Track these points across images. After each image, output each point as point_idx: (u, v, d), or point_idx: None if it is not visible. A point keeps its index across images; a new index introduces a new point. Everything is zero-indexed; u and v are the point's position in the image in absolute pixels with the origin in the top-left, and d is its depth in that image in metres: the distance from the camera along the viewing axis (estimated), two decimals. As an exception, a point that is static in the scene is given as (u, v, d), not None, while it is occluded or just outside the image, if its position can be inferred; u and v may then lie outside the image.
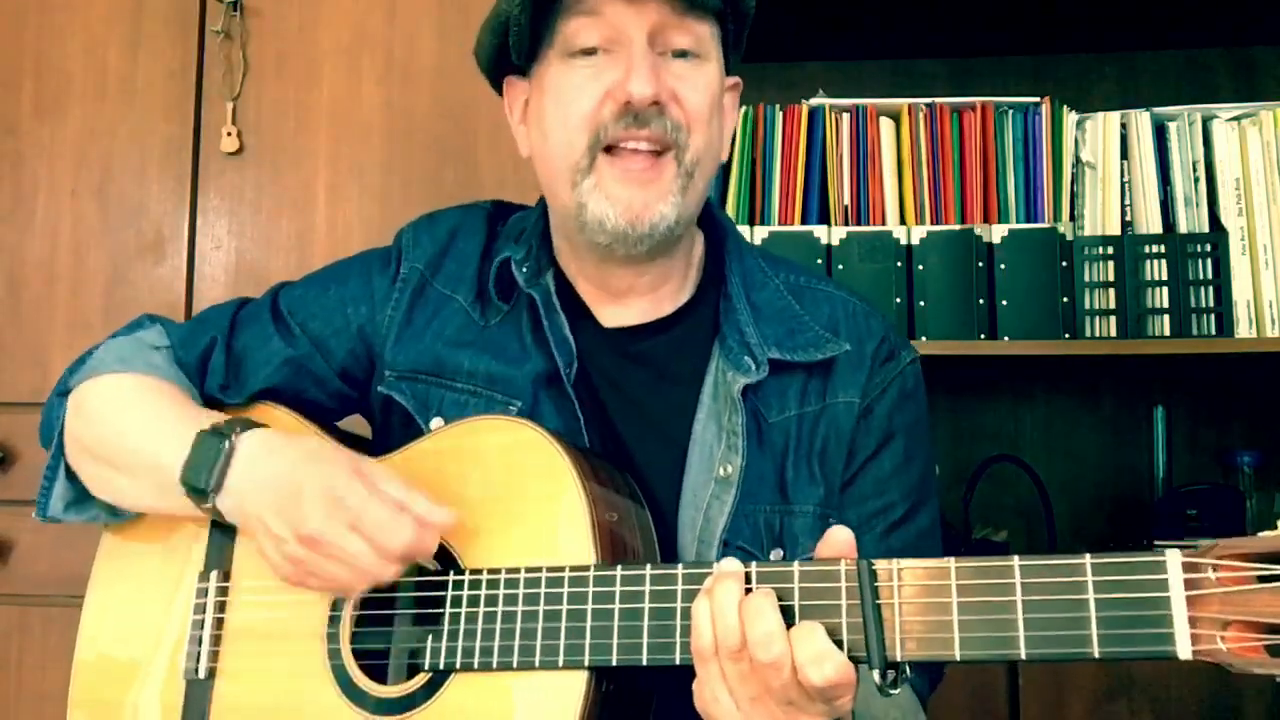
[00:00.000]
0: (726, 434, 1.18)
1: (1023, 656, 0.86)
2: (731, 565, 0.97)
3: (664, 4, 1.14)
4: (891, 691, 0.91)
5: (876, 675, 0.91)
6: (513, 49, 1.21)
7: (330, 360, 1.31)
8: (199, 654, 1.20)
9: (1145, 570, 0.84)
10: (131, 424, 1.22)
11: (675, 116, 1.16)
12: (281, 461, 1.12)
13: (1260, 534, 0.81)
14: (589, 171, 1.17)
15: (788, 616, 0.93)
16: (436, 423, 1.23)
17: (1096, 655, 0.84)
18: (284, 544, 1.08)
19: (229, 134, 2.00)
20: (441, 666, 1.08)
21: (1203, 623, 0.81)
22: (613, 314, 1.26)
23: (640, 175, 1.16)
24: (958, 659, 0.89)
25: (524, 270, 1.25)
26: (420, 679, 1.09)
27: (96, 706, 1.25)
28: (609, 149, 1.16)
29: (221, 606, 1.21)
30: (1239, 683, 1.80)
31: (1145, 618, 0.84)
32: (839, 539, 0.97)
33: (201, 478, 1.14)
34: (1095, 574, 0.86)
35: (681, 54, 1.17)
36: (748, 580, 0.96)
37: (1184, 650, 0.82)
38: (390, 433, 1.28)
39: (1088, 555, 0.86)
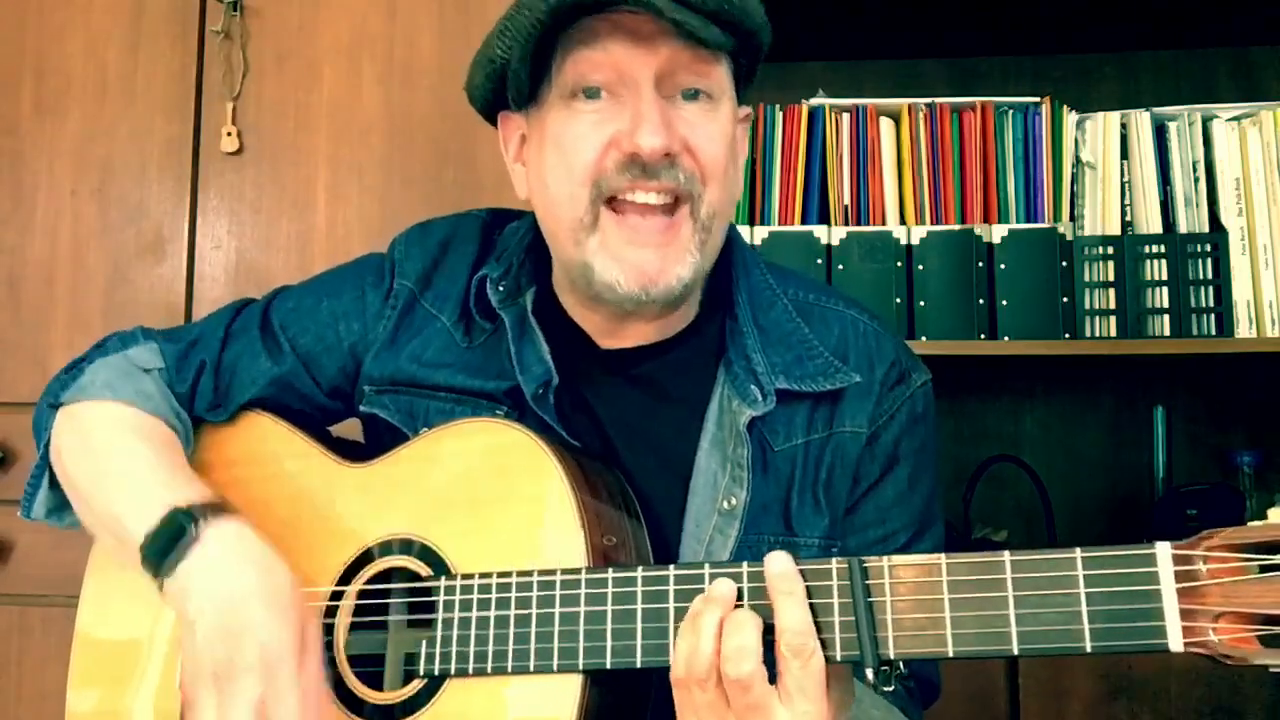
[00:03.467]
0: (731, 465, 1.15)
1: (1015, 651, 0.86)
2: (722, 589, 0.95)
3: (674, 45, 1.06)
4: (885, 689, 0.91)
5: (870, 673, 0.90)
6: (511, 100, 1.16)
7: (320, 376, 1.28)
8: None
9: (1136, 563, 0.84)
10: (106, 470, 1.17)
11: (689, 168, 1.08)
12: (238, 582, 1.03)
13: (1250, 524, 0.81)
14: (593, 229, 1.09)
15: None
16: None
17: (1089, 649, 0.84)
18: (199, 659, 1.01)
19: (229, 134, 2.00)
20: (436, 672, 1.07)
21: (1194, 614, 0.81)
22: (610, 337, 1.21)
23: (655, 238, 1.09)
24: (950, 655, 0.88)
25: (500, 289, 1.21)
26: (416, 684, 1.08)
27: (95, 715, 1.24)
28: (611, 199, 1.09)
29: None
30: (1240, 683, 1.79)
31: (1136, 610, 0.83)
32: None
33: (160, 557, 1.06)
34: (1086, 568, 0.86)
35: (693, 94, 1.09)
36: (739, 582, 0.95)
37: (1175, 642, 0.82)
38: (379, 444, 1.24)
39: (1078, 549, 0.86)
